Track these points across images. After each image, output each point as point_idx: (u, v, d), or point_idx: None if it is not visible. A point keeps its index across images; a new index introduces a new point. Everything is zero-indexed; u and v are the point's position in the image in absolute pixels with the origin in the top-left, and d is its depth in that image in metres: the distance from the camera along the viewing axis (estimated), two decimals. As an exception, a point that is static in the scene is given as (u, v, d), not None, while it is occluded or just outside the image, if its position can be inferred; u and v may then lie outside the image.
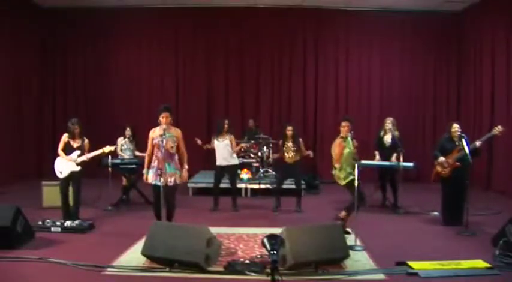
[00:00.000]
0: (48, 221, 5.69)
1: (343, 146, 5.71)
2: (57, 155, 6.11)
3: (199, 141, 7.20)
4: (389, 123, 7.25)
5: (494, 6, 9.13)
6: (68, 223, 5.67)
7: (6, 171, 9.35)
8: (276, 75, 11.00)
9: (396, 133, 7.20)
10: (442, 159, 6.10)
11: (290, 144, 7.00)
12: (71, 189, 6.14)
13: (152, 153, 5.41)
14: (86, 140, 6.15)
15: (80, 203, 6.17)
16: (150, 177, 5.38)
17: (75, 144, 6.03)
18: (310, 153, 7.20)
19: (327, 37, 10.90)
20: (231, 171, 7.23)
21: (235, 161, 7.22)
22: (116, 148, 7.43)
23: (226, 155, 7.07)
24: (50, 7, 10.65)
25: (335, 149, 5.77)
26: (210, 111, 10.89)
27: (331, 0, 10.24)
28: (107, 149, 6.21)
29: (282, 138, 7.14)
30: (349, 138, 5.70)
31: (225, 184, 7.39)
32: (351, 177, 5.64)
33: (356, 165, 5.32)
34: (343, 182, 5.76)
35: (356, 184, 5.27)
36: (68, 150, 6.01)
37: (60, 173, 6.02)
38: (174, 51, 11.01)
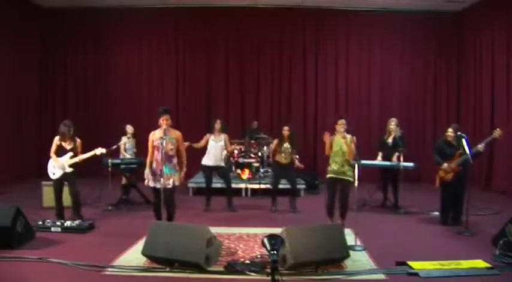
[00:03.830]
0: (48, 221, 5.69)
1: (331, 141, 5.76)
2: (50, 157, 6.08)
3: (186, 144, 6.92)
4: (393, 124, 7.25)
5: (494, 6, 9.14)
6: (68, 223, 5.67)
7: (6, 171, 9.35)
8: (276, 75, 11.00)
9: (398, 133, 7.20)
10: (446, 165, 6.11)
11: (286, 144, 6.99)
12: (66, 189, 6.14)
13: (153, 156, 5.41)
14: (78, 140, 6.12)
15: (80, 202, 6.17)
16: (150, 180, 5.38)
17: (67, 146, 6.01)
18: (299, 164, 7.14)
19: (327, 37, 10.90)
20: (222, 173, 7.20)
21: (222, 163, 7.19)
22: (117, 147, 7.45)
23: (217, 156, 7.04)
24: (50, 7, 10.65)
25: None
26: (210, 111, 10.87)
27: (331, 0, 10.25)
28: (99, 151, 6.15)
29: (278, 138, 7.14)
30: (339, 136, 5.69)
31: (221, 184, 7.40)
32: (328, 175, 5.77)
33: (356, 165, 5.33)
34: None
35: (356, 184, 5.30)
36: (60, 152, 5.99)
37: (53, 174, 6.03)
38: (174, 51, 11.01)
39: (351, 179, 5.62)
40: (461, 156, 5.95)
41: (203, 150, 7.18)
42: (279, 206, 7.16)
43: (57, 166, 5.99)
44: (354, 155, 5.61)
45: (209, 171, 7.14)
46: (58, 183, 6.05)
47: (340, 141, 5.69)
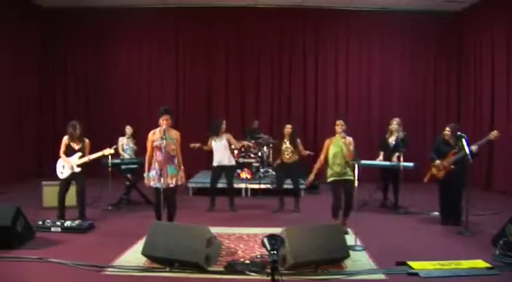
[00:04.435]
0: (48, 221, 5.69)
1: (328, 145, 5.74)
2: (58, 157, 6.13)
3: (196, 145, 7.11)
4: (395, 123, 7.24)
5: (494, 6, 9.14)
6: (68, 223, 5.67)
7: (6, 171, 9.36)
8: (276, 75, 11.00)
9: (400, 134, 7.20)
10: (438, 162, 6.14)
11: (287, 143, 6.97)
12: (72, 189, 6.18)
13: (152, 156, 5.41)
14: (87, 141, 6.19)
15: (85, 203, 6.18)
16: (151, 179, 5.38)
17: (76, 146, 6.06)
18: (308, 152, 7.14)
19: (327, 37, 10.90)
20: (228, 172, 7.19)
21: (232, 162, 7.19)
22: (116, 148, 7.47)
23: (223, 156, 7.04)
24: (50, 7, 10.66)
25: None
26: (210, 111, 10.88)
27: (331, 0, 10.25)
28: (107, 151, 6.27)
29: (280, 137, 7.12)
30: (339, 137, 5.67)
31: (222, 184, 7.40)
32: (331, 178, 5.71)
33: (356, 165, 5.33)
34: (327, 180, 5.81)
35: (356, 184, 5.31)
36: (69, 152, 6.04)
37: (61, 173, 6.07)
38: (174, 51, 11.02)
39: (352, 178, 5.58)
40: (455, 155, 5.96)
41: (206, 152, 7.22)
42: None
43: (67, 166, 6.02)
44: (352, 157, 5.60)
45: (217, 171, 7.14)
46: (64, 183, 6.08)
47: (340, 142, 5.65)
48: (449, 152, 6.07)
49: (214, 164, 7.12)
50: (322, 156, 5.85)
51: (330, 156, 5.72)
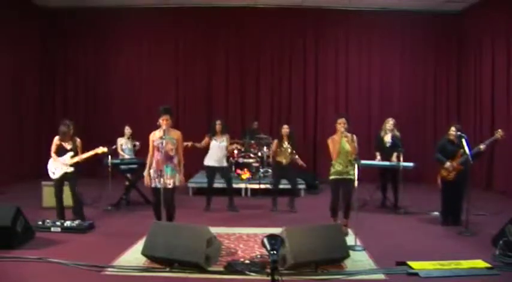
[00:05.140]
0: (48, 221, 5.69)
1: (335, 143, 5.70)
2: (50, 157, 6.07)
3: (189, 144, 7.00)
4: (391, 123, 7.25)
5: (494, 6, 9.13)
6: (68, 223, 5.67)
7: (6, 171, 9.35)
8: (276, 75, 11.00)
9: (397, 133, 7.24)
10: (448, 164, 6.11)
11: (285, 144, 6.97)
12: (66, 189, 6.13)
13: (153, 156, 5.40)
14: (78, 140, 6.10)
15: (82, 202, 6.16)
16: (150, 179, 5.37)
17: (67, 145, 6.00)
18: (301, 162, 7.13)
19: (327, 37, 10.90)
20: (223, 173, 7.17)
21: (222, 164, 7.11)
22: (115, 148, 7.47)
23: (219, 156, 7.02)
24: (50, 7, 10.66)
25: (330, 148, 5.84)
26: (210, 111, 10.87)
27: (331, 0, 10.25)
28: (100, 150, 6.12)
29: (277, 137, 7.13)
30: (341, 136, 5.64)
31: (222, 184, 7.40)
32: (333, 177, 5.71)
33: (356, 165, 5.33)
34: (329, 178, 5.81)
35: (356, 184, 5.31)
36: (61, 152, 5.98)
37: (53, 173, 6.01)
38: (174, 51, 11.01)
39: (353, 177, 5.56)
40: (463, 155, 5.95)
41: (204, 150, 7.19)
42: (279, 206, 7.16)
43: (58, 166, 5.98)
44: (356, 153, 5.59)
45: (212, 171, 7.12)
46: (58, 183, 6.04)
47: (343, 141, 5.64)
48: (456, 151, 6.06)
49: (208, 163, 7.05)
50: (334, 155, 5.73)
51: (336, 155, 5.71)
